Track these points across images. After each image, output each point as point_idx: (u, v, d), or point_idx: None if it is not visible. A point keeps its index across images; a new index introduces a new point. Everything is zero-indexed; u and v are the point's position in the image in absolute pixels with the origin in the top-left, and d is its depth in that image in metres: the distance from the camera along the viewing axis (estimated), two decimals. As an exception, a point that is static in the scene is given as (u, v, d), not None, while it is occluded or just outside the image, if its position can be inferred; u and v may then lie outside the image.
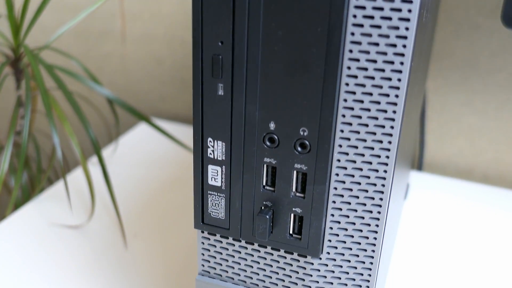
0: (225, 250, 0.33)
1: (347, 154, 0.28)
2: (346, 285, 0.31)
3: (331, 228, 0.30)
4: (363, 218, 0.29)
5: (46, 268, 0.50)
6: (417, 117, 0.53)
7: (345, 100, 0.27)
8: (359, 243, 0.30)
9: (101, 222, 0.57)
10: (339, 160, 0.28)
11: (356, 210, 0.29)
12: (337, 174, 0.29)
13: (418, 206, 0.61)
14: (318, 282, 0.32)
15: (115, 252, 0.52)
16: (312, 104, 0.27)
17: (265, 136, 0.29)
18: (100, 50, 0.83)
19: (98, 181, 0.64)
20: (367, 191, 0.29)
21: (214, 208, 0.32)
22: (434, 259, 0.53)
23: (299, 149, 0.28)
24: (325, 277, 0.31)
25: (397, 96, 0.26)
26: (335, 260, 0.31)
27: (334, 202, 0.29)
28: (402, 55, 0.26)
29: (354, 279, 0.31)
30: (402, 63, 0.26)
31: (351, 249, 0.30)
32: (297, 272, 0.32)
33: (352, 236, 0.30)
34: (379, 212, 0.29)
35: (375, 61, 0.26)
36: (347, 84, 0.27)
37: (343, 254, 0.31)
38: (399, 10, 0.25)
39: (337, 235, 0.30)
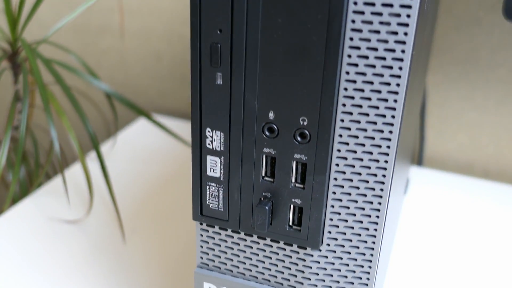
0: (224, 242, 0.33)
1: (347, 144, 0.28)
2: (346, 277, 0.31)
3: (331, 219, 0.30)
4: (363, 209, 0.29)
5: (44, 263, 0.49)
6: (418, 111, 0.53)
7: (346, 89, 0.27)
8: (359, 235, 0.30)
9: (99, 218, 0.56)
10: (339, 150, 0.28)
11: (356, 201, 0.29)
12: (337, 165, 0.28)
13: (418, 201, 0.61)
14: (318, 274, 0.31)
15: (114, 247, 0.52)
16: (312, 93, 0.27)
17: (264, 126, 0.28)
18: (99, 46, 0.83)
19: (96, 177, 0.64)
20: (367, 181, 0.28)
21: (212, 199, 0.31)
22: (434, 254, 0.52)
23: (298, 139, 0.28)
24: (325, 269, 0.31)
25: (398, 85, 0.26)
26: (335, 252, 0.30)
27: (334, 193, 0.29)
28: (404, 43, 0.25)
29: (354, 271, 0.31)
30: (403, 51, 0.25)
31: (351, 240, 0.30)
32: (297, 264, 0.31)
33: (353, 228, 0.30)
34: (379, 203, 0.29)
35: (376, 49, 0.26)
36: (347, 73, 0.26)
37: (343, 246, 0.30)
38: (401, -4, 0.25)
39: (337, 226, 0.30)
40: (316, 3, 0.25)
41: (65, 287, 0.46)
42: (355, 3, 0.25)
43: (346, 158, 0.28)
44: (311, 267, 0.31)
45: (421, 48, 0.34)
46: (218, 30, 0.27)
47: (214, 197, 0.31)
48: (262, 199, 0.30)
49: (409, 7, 0.25)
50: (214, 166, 0.30)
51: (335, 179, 0.29)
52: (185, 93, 0.81)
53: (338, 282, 0.31)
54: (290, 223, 0.30)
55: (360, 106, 0.27)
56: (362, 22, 0.25)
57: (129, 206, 0.58)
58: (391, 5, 0.25)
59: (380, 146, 0.27)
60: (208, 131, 0.30)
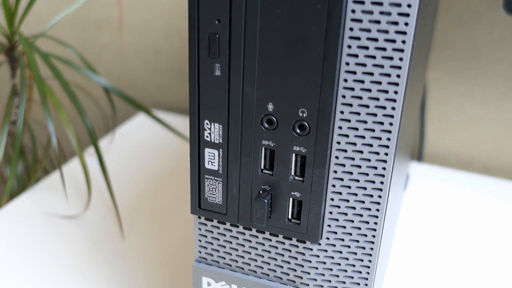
0: (222, 236, 0.32)
1: (347, 136, 0.27)
2: (346, 271, 0.31)
3: (330, 212, 0.29)
4: (363, 202, 0.29)
5: (42, 258, 0.49)
6: (418, 105, 0.52)
7: (346, 80, 0.26)
8: (359, 228, 0.29)
9: (97, 213, 0.56)
10: (339, 143, 0.28)
11: (356, 194, 0.29)
12: (337, 157, 0.28)
13: (418, 197, 0.61)
14: (317, 268, 0.31)
15: (112, 242, 0.51)
16: (312, 85, 0.27)
17: (263, 118, 0.28)
18: (97, 41, 0.82)
19: (95, 172, 0.63)
20: (367, 174, 0.28)
21: (211, 192, 0.31)
22: (434, 249, 0.52)
23: (298, 131, 0.28)
24: (325, 263, 0.31)
25: (398, 76, 0.26)
26: (334, 245, 0.30)
27: (333, 186, 0.29)
28: (404, 33, 0.25)
29: (354, 265, 0.30)
30: (404, 42, 0.25)
31: (351, 234, 0.30)
32: (296, 258, 0.31)
33: (352, 221, 0.29)
34: (379, 196, 0.28)
35: (376, 40, 0.25)
36: (347, 64, 0.26)
37: (343, 240, 0.30)
38: (401, -15, 0.24)
39: (337, 220, 0.29)
40: (315, -7, 0.25)
41: (63, 283, 0.46)
42: (355, -7, 0.25)
43: (346, 151, 0.28)
44: (310, 261, 0.31)
45: (421, 40, 0.34)
46: (216, 20, 0.27)
47: (212, 190, 0.31)
48: (261, 192, 0.30)
49: (410, -4, 0.24)
50: (212, 159, 0.30)
51: (335, 171, 0.28)
52: (184, 88, 0.81)
53: (338, 276, 0.31)
54: (289, 217, 0.30)
55: (360, 98, 0.26)
56: (362, 12, 0.25)
57: (127, 202, 0.58)
58: (392, -5, 0.24)
59: (380, 138, 0.27)
60: (206, 123, 0.29)
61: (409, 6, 0.24)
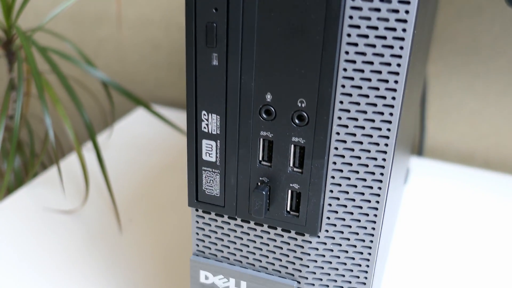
0: (220, 229, 0.32)
1: (346, 126, 0.27)
2: (345, 264, 0.30)
3: (329, 204, 0.29)
4: (363, 194, 0.28)
5: (39, 253, 0.48)
6: (418, 98, 0.52)
7: (345, 70, 0.26)
8: (359, 220, 0.29)
9: (95, 208, 0.55)
10: (338, 133, 0.27)
11: (356, 186, 0.28)
12: (336, 148, 0.27)
13: (418, 191, 0.60)
14: (316, 261, 0.31)
15: (110, 237, 0.51)
16: (311, 74, 0.26)
17: (261, 108, 0.28)
18: (95, 35, 0.82)
19: (93, 167, 0.63)
20: (367, 165, 0.28)
21: (208, 184, 0.31)
22: (434, 244, 0.52)
23: (296, 121, 0.27)
24: (324, 256, 0.30)
25: (399, 65, 0.25)
26: (334, 238, 0.30)
27: (333, 177, 0.28)
28: (405, 21, 0.24)
29: (353, 258, 0.30)
30: (404, 30, 0.25)
31: (350, 226, 0.29)
32: (295, 251, 0.31)
33: (352, 213, 0.29)
34: (379, 188, 0.28)
35: (376, 28, 0.25)
36: (347, 53, 0.26)
37: (342, 232, 0.30)
38: (402, -28, 0.24)
39: (336, 212, 0.29)
40: (314, -20, 0.25)
41: (60, 278, 0.46)
42: (355, -20, 0.24)
43: (345, 141, 0.27)
44: (309, 254, 0.30)
45: (422, 30, 0.33)
46: (213, 9, 0.26)
47: (210, 182, 0.30)
48: (259, 184, 0.29)
49: (411, -17, 0.24)
50: (210, 151, 0.30)
51: (334, 163, 0.28)
52: (183, 83, 0.80)
53: (337, 269, 0.31)
54: (288, 209, 0.30)
55: (360, 87, 0.26)
56: (362, 0, 0.24)
57: (125, 196, 0.58)
58: (392, -18, 0.24)
59: (380, 129, 0.27)
60: (204, 114, 0.29)
61: (407, 3, 0.24)
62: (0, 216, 0.53)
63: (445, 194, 0.60)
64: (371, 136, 0.27)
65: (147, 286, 0.45)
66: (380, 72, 0.26)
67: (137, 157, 0.66)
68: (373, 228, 0.29)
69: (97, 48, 0.83)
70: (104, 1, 0.78)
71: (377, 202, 0.28)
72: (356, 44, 0.25)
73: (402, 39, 0.25)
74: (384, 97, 0.26)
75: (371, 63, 0.25)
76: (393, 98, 0.26)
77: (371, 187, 0.28)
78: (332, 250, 0.30)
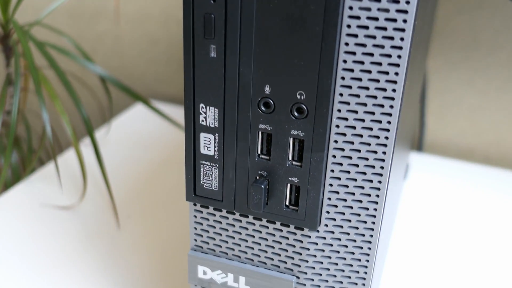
0: (218, 224, 0.32)
1: (346, 119, 0.27)
2: (344, 259, 0.30)
3: (329, 198, 0.29)
4: (363, 188, 0.28)
5: (37, 249, 0.48)
6: (418, 92, 0.52)
7: (345, 61, 0.25)
8: (359, 215, 0.29)
9: (93, 204, 0.55)
10: (338, 126, 0.27)
11: (355, 180, 0.28)
12: (335, 141, 0.27)
13: (418, 187, 0.60)
14: (315, 256, 0.30)
15: (108, 233, 0.51)
16: (310, 66, 0.26)
17: (260, 101, 0.27)
18: (94, 30, 0.81)
19: (91, 162, 0.63)
20: (367, 159, 0.27)
21: (206, 178, 0.30)
22: (434, 240, 0.51)
23: (295, 114, 0.27)
24: (323, 250, 0.30)
25: (399, 56, 0.25)
26: (333, 232, 0.29)
27: (332, 171, 0.28)
28: (406, 12, 0.24)
29: (353, 253, 0.30)
30: (405, 21, 0.24)
31: (350, 221, 0.29)
32: (294, 246, 0.30)
33: (351, 207, 0.29)
34: (379, 182, 0.28)
35: (376, 19, 0.24)
36: (346, 44, 0.25)
37: (342, 227, 0.29)
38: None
39: (336, 206, 0.29)
40: (314, -30, 0.24)
41: (58, 274, 0.45)
42: (355, -30, 0.24)
43: (345, 134, 0.27)
44: (308, 249, 0.30)
45: (423, 22, 0.33)
46: (211, 0, 0.26)
47: (208, 176, 0.30)
48: (257, 177, 0.29)
49: (412, -27, 0.23)
50: (208, 144, 0.29)
51: (334, 156, 0.27)
52: (181, 78, 0.80)
53: (337, 264, 0.30)
54: (287, 203, 0.29)
55: (360, 79, 0.26)
56: (362, -10, 0.24)
57: (123, 192, 0.57)
58: (392, -29, 0.24)
59: (380, 122, 0.26)
60: (202, 107, 0.29)
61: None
62: (-3, 211, 0.53)
63: (445, 189, 0.60)
64: (371, 129, 0.27)
65: (145, 282, 0.45)
66: (380, 63, 0.25)
67: (135, 153, 0.65)
68: (373, 223, 0.29)
69: (95, 43, 0.82)
70: (102, -4, 0.78)
71: (377, 196, 0.28)
72: (356, 35, 0.25)
73: (403, 30, 0.24)
74: (385, 89, 0.26)
75: (371, 54, 0.25)
76: (394, 90, 0.26)
77: (371, 181, 0.28)
78: (331, 245, 0.30)
